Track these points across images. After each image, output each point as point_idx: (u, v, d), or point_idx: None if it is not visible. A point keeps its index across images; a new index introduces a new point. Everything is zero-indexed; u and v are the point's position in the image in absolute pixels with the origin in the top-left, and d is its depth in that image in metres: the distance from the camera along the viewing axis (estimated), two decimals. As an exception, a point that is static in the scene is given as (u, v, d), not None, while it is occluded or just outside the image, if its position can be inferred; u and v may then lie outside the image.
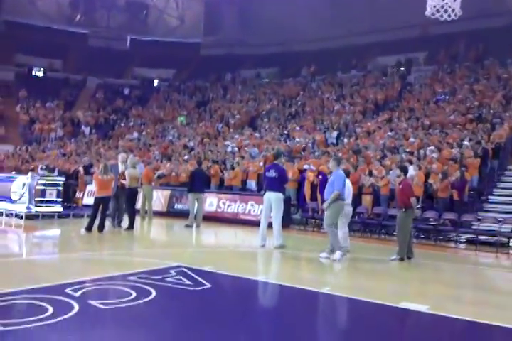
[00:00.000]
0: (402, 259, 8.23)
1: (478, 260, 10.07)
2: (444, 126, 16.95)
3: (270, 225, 9.11)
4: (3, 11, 33.92)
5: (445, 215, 11.70)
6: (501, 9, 24.35)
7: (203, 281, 5.85)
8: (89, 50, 34.66)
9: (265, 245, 8.94)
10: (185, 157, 18.35)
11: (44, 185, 12.36)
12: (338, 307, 5.70)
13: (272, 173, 9.03)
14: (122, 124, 28.03)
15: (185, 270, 6.43)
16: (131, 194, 11.06)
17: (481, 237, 11.04)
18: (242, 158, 16.62)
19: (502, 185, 13.67)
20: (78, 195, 15.48)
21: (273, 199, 8.97)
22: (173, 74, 36.06)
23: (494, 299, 6.15)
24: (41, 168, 16.64)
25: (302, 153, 16.60)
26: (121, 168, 11.23)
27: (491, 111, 17.37)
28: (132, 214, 10.94)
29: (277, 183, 9.02)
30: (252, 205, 13.70)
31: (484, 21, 24.88)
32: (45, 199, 12.20)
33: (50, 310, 4.36)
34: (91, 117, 28.79)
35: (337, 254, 7.95)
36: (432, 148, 14.50)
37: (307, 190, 14.07)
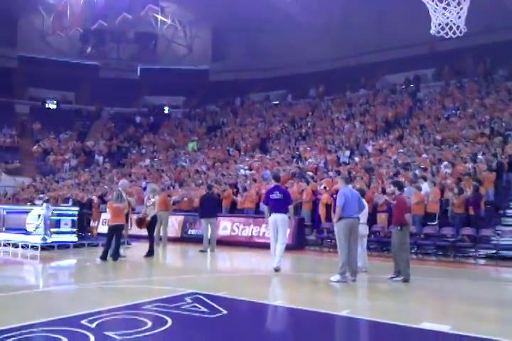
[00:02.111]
0: (406, 281, 7.85)
1: (499, 276, 9.83)
2: (457, 141, 16.84)
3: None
4: (17, 47, 34.92)
5: (463, 231, 11.50)
6: (506, 23, 24.43)
7: (219, 308, 5.77)
8: (101, 81, 35.41)
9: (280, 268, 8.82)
10: (198, 182, 18.42)
11: (59, 215, 12.45)
12: (359, 331, 5.56)
13: (276, 195, 8.99)
14: (134, 152, 28.34)
15: (201, 296, 6.35)
16: (153, 221, 11.10)
17: (502, 252, 10.81)
18: (255, 180, 16.63)
19: (519, 198, 13.46)
20: (93, 223, 15.56)
21: (279, 220, 8.88)
22: (183, 100, 36.59)
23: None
24: (39, 198, 16.77)
25: (311, 173, 16.53)
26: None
27: (503, 124, 17.25)
28: (152, 240, 10.98)
29: (283, 205, 8.96)
30: (266, 228, 13.61)
31: (490, 36, 24.98)
32: (60, 229, 12.27)
33: (66, 342, 4.33)
34: (104, 146, 29.19)
35: (336, 277, 7.84)
36: (446, 163, 14.38)
37: (322, 211, 13.98)
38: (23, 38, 35.09)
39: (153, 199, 11.12)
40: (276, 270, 8.76)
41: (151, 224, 11.01)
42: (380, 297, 7.17)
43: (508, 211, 12.96)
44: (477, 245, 11.23)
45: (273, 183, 9.52)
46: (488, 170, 13.37)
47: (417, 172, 14.05)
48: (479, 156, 14.54)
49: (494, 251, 10.90)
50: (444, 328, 5.03)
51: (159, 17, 35.32)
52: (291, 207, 9.15)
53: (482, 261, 11.24)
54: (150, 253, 10.85)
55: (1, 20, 33.19)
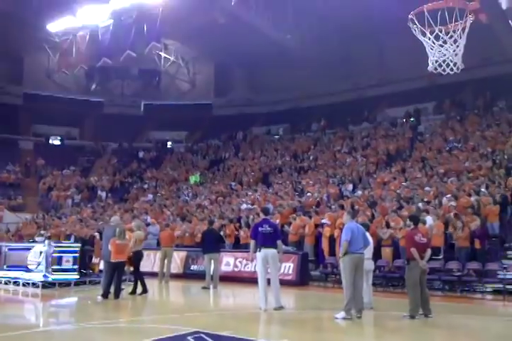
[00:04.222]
0: (412, 317, 7.69)
1: (507, 311, 9.63)
2: (459, 174, 16.86)
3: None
4: (23, 84, 35.60)
5: (468, 265, 11.37)
6: (503, 57, 24.91)
7: (222, 347, 5.66)
8: (105, 117, 35.86)
9: (268, 309, 8.47)
10: (201, 216, 18.35)
11: (60, 252, 12.36)
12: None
13: (266, 228, 8.64)
14: (137, 187, 28.38)
15: (204, 336, 6.23)
16: (137, 257, 10.91)
17: (508, 286, 10.63)
18: (258, 215, 16.57)
19: (524, 230, 13.34)
20: (94, 260, 15.41)
21: (270, 256, 8.54)
22: (185, 135, 36.91)
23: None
24: (40, 235, 16.70)
25: (314, 207, 16.49)
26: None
27: (505, 156, 17.31)
28: (141, 277, 10.79)
29: (273, 238, 8.63)
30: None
31: (489, 69, 25.39)
32: (61, 267, 12.16)
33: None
34: (107, 181, 29.26)
35: (341, 314, 7.69)
36: (449, 196, 14.35)
37: (325, 245, 13.87)
38: (28, 76, 35.77)
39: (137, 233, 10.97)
40: (280, 308, 8.52)
41: (134, 260, 10.78)
42: (386, 335, 7.04)
43: (514, 244, 12.82)
44: (483, 280, 11.06)
45: (262, 217, 9.21)
46: (492, 203, 13.32)
47: (420, 205, 14.01)
48: (482, 189, 14.51)
49: (501, 286, 10.71)
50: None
51: (162, 54, 36.12)
52: (279, 242, 8.81)
53: (489, 296, 11.05)
54: (144, 290, 10.67)
55: (7, 58, 34.00)
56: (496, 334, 7.09)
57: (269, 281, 8.75)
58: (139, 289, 10.75)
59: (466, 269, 11.39)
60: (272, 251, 8.57)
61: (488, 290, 11.21)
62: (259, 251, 8.60)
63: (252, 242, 8.94)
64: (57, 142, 35.22)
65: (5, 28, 27.89)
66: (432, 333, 7.18)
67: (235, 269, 14.18)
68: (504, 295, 10.29)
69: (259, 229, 8.72)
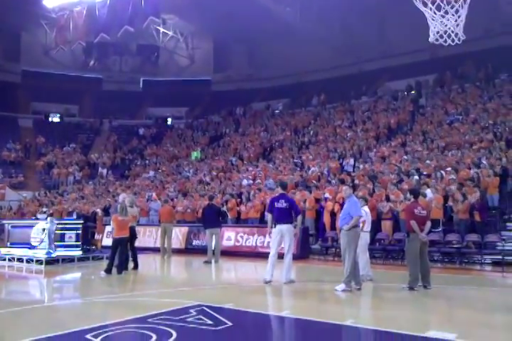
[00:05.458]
0: (412, 289, 7.81)
1: (505, 282, 9.75)
2: (460, 147, 16.81)
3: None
4: (21, 61, 35.25)
5: (468, 237, 11.45)
6: (506, 28, 24.53)
7: (225, 320, 5.75)
8: (104, 93, 35.62)
9: (271, 281, 8.54)
10: (202, 192, 18.43)
11: (63, 229, 12.48)
12: (364, 340, 5.54)
13: (282, 204, 8.64)
14: (138, 163, 28.42)
15: (206, 309, 6.33)
16: (131, 234, 10.91)
17: (507, 258, 10.73)
18: (259, 190, 16.63)
19: (524, 202, 13.39)
20: (97, 236, 15.57)
21: (285, 231, 8.58)
22: (185, 111, 36.73)
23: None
24: (42, 212, 16.78)
25: (315, 182, 16.51)
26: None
27: (506, 129, 17.22)
28: (134, 253, 10.86)
29: (288, 214, 8.64)
30: (271, 238, 13.57)
31: (491, 41, 25.05)
32: (64, 243, 12.29)
33: (71, 357, 4.32)
34: (107, 158, 29.28)
35: (341, 286, 7.80)
36: (449, 169, 14.35)
37: (327, 219, 13.95)
38: (26, 53, 35.43)
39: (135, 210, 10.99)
40: (290, 282, 8.57)
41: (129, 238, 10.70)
42: (385, 305, 7.14)
43: (513, 216, 12.89)
44: (482, 251, 11.16)
45: (279, 191, 9.12)
46: (492, 176, 13.32)
47: (416, 177, 14.03)
48: (483, 161, 14.50)
49: (500, 257, 10.82)
50: (450, 336, 5.00)
51: (161, 29, 35.64)
52: (299, 218, 8.81)
53: (488, 267, 11.17)
54: (135, 266, 10.75)
55: (4, 36, 33.60)
56: (494, 305, 7.19)
57: (282, 256, 8.75)
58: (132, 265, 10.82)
59: (465, 241, 11.47)
60: (286, 226, 8.60)
61: (487, 261, 11.33)
62: (274, 227, 8.65)
63: (268, 216, 8.97)
64: (56, 119, 35.11)
65: (1, 4, 27.43)
66: (430, 304, 7.29)
67: (237, 244, 14.32)
68: (503, 267, 10.39)
69: (275, 203, 8.72)
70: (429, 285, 8.00)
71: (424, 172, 14.79)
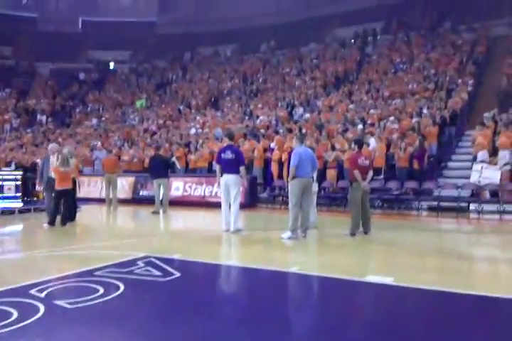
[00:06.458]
0: (353, 234, 8.23)
1: (440, 226, 10.34)
2: (403, 96, 17.15)
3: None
4: None
5: (407, 184, 11.95)
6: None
7: (173, 271, 5.80)
8: (40, 34, 33.38)
9: (230, 230, 8.86)
10: (148, 141, 18.09)
11: (1, 180, 12.00)
12: (306, 286, 5.77)
13: (228, 155, 8.71)
14: (79, 110, 27.31)
15: (154, 260, 6.36)
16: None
17: (442, 203, 11.34)
18: (207, 139, 16.49)
19: (460, 150, 14.02)
20: (38, 188, 15.08)
21: (231, 181, 8.69)
22: (129, 55, 35.19)
23: (456, 265, 6.32)
24: None
25: (263, 131, 16.54)
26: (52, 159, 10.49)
27: (447, 78, 17.64)
28: (73, 205, 10.60)
29: (235, 165, 8.70)
30: (218, 188, 13.65)
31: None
32: (3, 194, 11.86)
33: (15, 314, 4.25)
34: (46, 105, 27.91)
35: (287, 234, 8.08)
36: (392, 118, 14.69)
37: (274, 168, 14.11)
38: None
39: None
40: (238, 231, 8.76)
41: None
42: (328, 252, 7.43)
43: (450, 164, 13.52)
44: (420, 197, 11.72)
45: (226, 142, 9.20)
46: (431, 125, 13.77)
47: (360, 127, 14.33)
48: (424, 111, 14.91)
49: (436, 203, 11.41)
50: (387, 280, 5.29)
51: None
52: (242, 168, 8.87)
53: (425, 213, 11.78)
54: (72, 218, 10.55)
55: None
56: (428, 249, 7.64)
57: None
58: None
59: (404, 188, 11.99)
60: (232, 176, 8.68)
61: (423, 207, 11.93)
62: (221, 176, 8.75)
63: (217, 167, 9.05)
64: (-12, 62, 32.77)
65: None
66: (370, 248, 7.67)
67: (185, 193, 14.33)
68: (438, 212, 10.99)
69: (222, 155, 8.79)
70: (369, 230, 8.40)
71: (369, 122, 15.09)
